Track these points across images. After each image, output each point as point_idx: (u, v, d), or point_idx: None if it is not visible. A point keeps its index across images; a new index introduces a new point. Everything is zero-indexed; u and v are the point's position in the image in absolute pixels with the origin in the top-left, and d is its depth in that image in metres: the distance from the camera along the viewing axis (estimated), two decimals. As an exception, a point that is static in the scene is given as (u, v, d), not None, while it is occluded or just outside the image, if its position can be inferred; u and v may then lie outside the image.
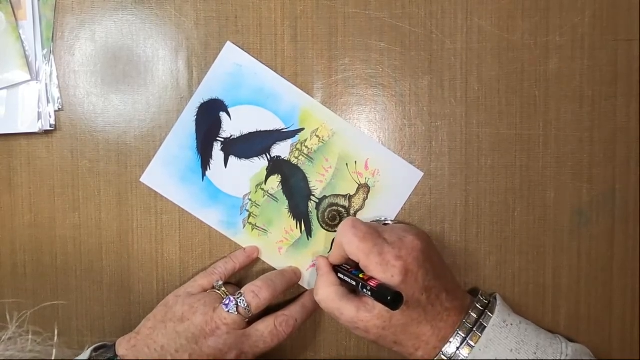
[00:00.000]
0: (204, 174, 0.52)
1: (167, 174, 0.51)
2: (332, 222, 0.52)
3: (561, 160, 0.51)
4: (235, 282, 0.52)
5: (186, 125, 0.51)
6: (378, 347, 0.53)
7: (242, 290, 0.47)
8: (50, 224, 0.52)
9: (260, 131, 0.51)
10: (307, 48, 0.51)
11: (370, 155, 0.52)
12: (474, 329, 0.45)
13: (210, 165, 0.51)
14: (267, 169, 0.52)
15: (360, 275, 0.44)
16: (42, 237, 0.52)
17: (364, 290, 0.43)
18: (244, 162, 0.52)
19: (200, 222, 0.52)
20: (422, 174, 0.52)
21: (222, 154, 0.51)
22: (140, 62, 0.51)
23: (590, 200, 0.52)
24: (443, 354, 0.44)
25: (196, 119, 0.51)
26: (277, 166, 0.52)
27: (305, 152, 0.52)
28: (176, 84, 0.51)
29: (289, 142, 0.52)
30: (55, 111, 0.51)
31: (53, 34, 0.51)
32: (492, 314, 0.45)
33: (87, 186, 0.52)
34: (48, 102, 0.51)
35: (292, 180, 0.52)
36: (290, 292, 0.52)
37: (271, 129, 0.51)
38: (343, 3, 0.51)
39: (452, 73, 0.51)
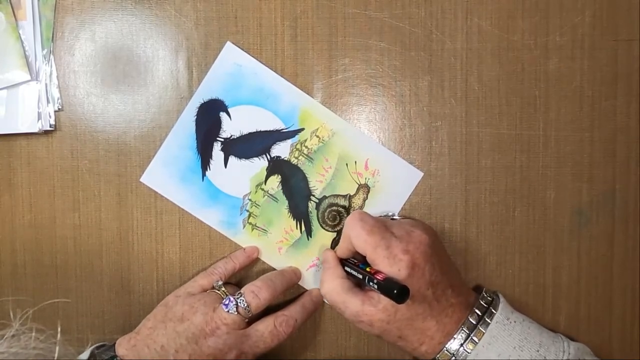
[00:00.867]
0: (204, 174, 0.52)
1: (167, 174, 0.51)
2: (332, 222, 0.52)
3: (561, 160, 0.51)
4: (235, 282, 0.52)
5: (186, 125, 0.51)
6: (378, 347, 0.53)
7: (242, 290, 0.47)
8: (50, 224, 0.52)
9: (260, 131, 0.51)
10: (307, 48, 0.51)
11: (370, 155, 0.52)
12: (478, 326, 0.45)
13: (210, 165, 0.51)
14: (267, 169, 0.52)
15: (367, 269, 0.44)
16: (42, 237, 0.52)
17: (370, 283, 0.43)
18: (244, 162, 0.52)
19: (200, 222, 0.52)
20: (422, 174, 0.52)
21: (222, 154, 0.51)
22: (140, 62, 0.51)
23: (590, 200, 0.52)
24: (447, 350, 0.44)
25: (196, 119, 0.51)
26: (277, 166, 0.52)
27: (305, 152, 0.52)
28: (176, 84, 0.51)
29: (289, 142, 0.52)
30: (55, 111, 0.51)
31: (53, 34, 0.51)
32: (496, 310, 0.45)
33: (87, 186, 0.52)
34: (48, 102, 0.51)
35: (292, 181, 0.52)
36: (290, 292, 0.52)
37: (271, 129, 0.51)
38: (343, 3, 0.51)
39: (452, 73, 0.51)
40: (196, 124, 0.51)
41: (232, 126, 0.51)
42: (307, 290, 0.52)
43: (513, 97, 0.51)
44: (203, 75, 0.51)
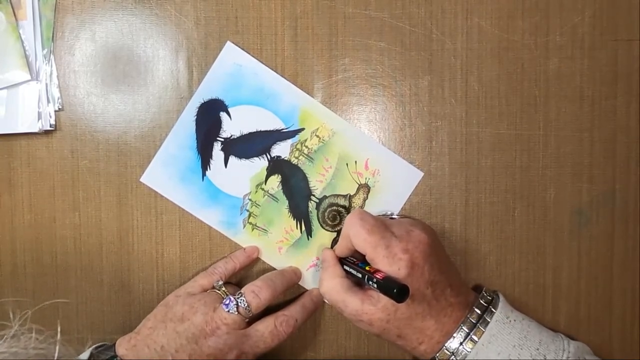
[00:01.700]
0: (204, 174, 0.52)
1: (167, 174, 0.51)
2: (332, 222, 0.52)
3: (561, 160, 0.51)
4: (236, 282, 0.52)
5: (186, 125, 0.51)
6: (378, 347, 0.53)
7: (242, 290, 0.47)
8: (50, 224, 0.52)
9: (260, 131, 0.51)
10: (307, 48, 0.51)
11: (370, 155, 0.52)
12: (478, 324, 0.45)
13: (211, 165, 0.51)
14: (267, 169, 0.52)
15: (367, 268, 0.44)
16: (42, 237, 0.52)
17: (370, 282, 0.43)
18: (244, 162, 0.52)
19: (200, 222, 0.52)
20: (422, 174, 0.52)
21: (222, 154, 0.51)
22: (140, 62, 0.51)
23: (590, 200, 0.52)
24: (446, 349, 0.44)
25: (196, 118, 0.51)
26: (277, 166, 0.52)
27: (305, 152, 0.52)
28: (176, 84, 0.51)
29: (289, 142, 0.52)
30: (55, 111, 0.51)
31: (53, 34, 0.51)
32: (495, 309, 0.45)
33: (87, 186, 0.52)
34: (48, 102, 0.51)
35: (292, 180, 0.52)
36: (290, 292, 0.52)
37: (271, 129, 0.51)
38: (343, 3, 0.51)
39: (452, 73, 0.51)
40: (196, 124, 0.51)
41: (232, 126, 0.51)
42: (307, 290, 0.52)
43: (513, 97, 0.51)
44: (203, 75, 0.51)
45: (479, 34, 0.51)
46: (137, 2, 0.51)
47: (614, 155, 0.51)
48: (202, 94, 0.51)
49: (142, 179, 0.52)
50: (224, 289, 0.48)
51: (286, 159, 0.52)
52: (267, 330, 0.47)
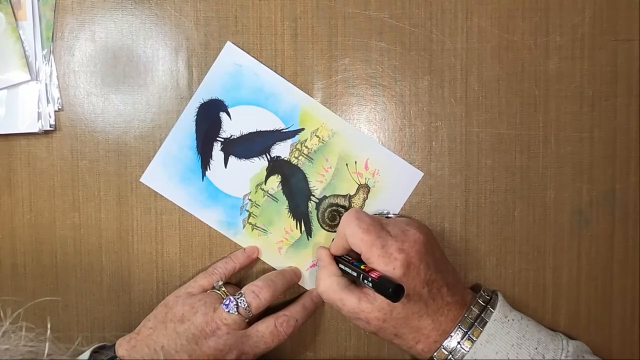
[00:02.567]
0: (203, 174, 0.52)
1: (167, 174, 0.51)
2: (332, 222, 0.52)
3: (561, 160, 0.51)
4: (236, 282, 0.52)
5: (186, 125, 0.51)
6: (378, 347, 0.53)
7: (242, 291, 0.47)
8: (50, 224, 0.52)
9: (260, 131, 0.51)
10: (307, 48, 0.51)
11: (370, 155, 0.52)
12: (476, 324, 0.45)
13: (210, 165, 0.51)
14: (267, 169, 0.52)
15: (362, 267, 0.44)
16: (42, 237, 0.52)
17: (365, 281, 0.43)
18: (244, 162, 0.52)
19: (200, 222, 0.52)
20: (422, 174, 0.52)
21: (222, 154, 0.51)
22: (140, 62, 0.51)
23: (590, 200, 0.52)
24: (444, 348, 0.44)
25: (196, 119, 0.51)
26: (277, 166, 0.52)
27: (305, 152, 0.52)
28: (176, 84, 0.51)
29: (289, 142, 0.52)
30: (55, 111, 0.51)
31: (53, 34, 0.51)
32: (494, 309, 0.45)
33: (87, 186, 0.52)
34: (48, 102, 0.51)
35: (292, 180, 0.52)
36: (290, 292, 0.52)
37: (271, 129, 0.51)
38: (343, 3, 0.51)
39: (452, 73, 0.51)
40: (196, 124, 0.51)
41: (232, 126, 0.51)
42: (307, 290, 0.52)
43: (513, 97, 0.51)
44: (203, 75, 0.51)
45: (479, 34, 0.51)
46: (137, 2, 0.51)
47: (614, 155, 0.51)
48: (202, 94, 0.51)
49: (142, 179, 0.52)
50: (224, 289, 0.48)
51: (286, 159, 0.52)
52: (267, 331, 0.47)
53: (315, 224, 0.52)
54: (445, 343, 0.44)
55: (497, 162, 0.52)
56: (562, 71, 0.51)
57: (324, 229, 0.52)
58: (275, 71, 0.51)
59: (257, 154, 0.52)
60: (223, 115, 0.51)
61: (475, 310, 0.45)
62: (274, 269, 0.52)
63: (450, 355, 0.44)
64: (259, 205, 0.52)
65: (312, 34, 0.51)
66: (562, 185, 0.52)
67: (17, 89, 0.50)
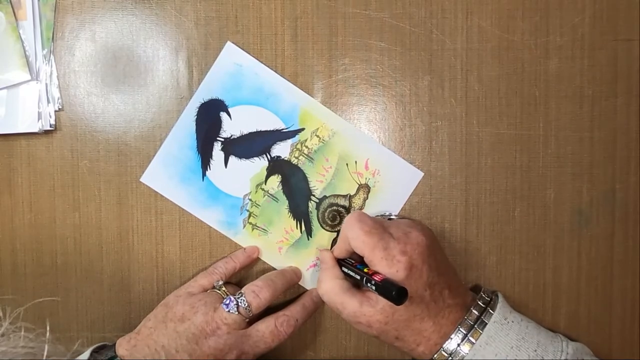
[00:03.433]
0: (204, 174, 0.52)
1: (167, 174, 0.51)
2: (332, 222, 0.52)
3: (561, 160, 0.51)
4: (236, 282, 0.52)
5: (186, 125, 0.51)
6: (378, 347, 0.53)
7: (242, 290, 0.47)
8: (50, 224, 0.52)
9: (260, 131, 0.51)
10: (307, 48, 0.51)
11: (370, 155, 0.52)
12: (475, 326, 0.45)
13: (211, 165, 0.51)
14: (267, 169, 0.52)
15: (365, 270, 0.44)
16: (42, 237, 0.52)
17: (368, 284, 0.43)
18: (244, 162, 0.52)
19: (200, 222, 0.52)
20: (422, 174, 0.52)
21: (222, 154, 0.51)
22: (140, 62, 0.51)
23: (590, 200, 0.52)
24: (444, 350, 0.44)
25: (196, 118, 0.51)
26: (277, 166, 0.52)
27: (306, 152, 0.52)
28: (176, 84, 0.51)
29: (289, 142, 0.52)
30: (55, 111, 0.51)
31: (53, 34, 0.51)
32: (494, 311, 0.45)
33: (87, 186, 0.52)
34: (48, 102, 0.51)
35: (292, 180, 0.52)
36: (291, 292, 0.52)
37: (271, 129, 0.51)
38: (343, 3, 0.51)
39: (452, 73, 0.51)
40: (196, 124, 0.51)
41: (233, 126, 0.51)
42: (307, 290, 0.52)
43: (513, 97, 0.51)
44: (203, 75, 0.51)
45: (479, 34, 0.51)
46: (137, 2, 0.51)
47: (614, 155, 0.51)
48: (202, 94, 0.51)
49: (142, 179, 0.52)
50: (224, 288, 0.48)
51: (286, 159, 0.52)
52: (267, 330, 0.47)
53: (315, 224, 0.52)
54: (445, 345, 0.44)
55: (497, 162, 0.52)
56: (562, 71, 0.51)
57: (324, 229, 0.52)
58: (275, 71, 0.51)
59: (258, 153, 0.52)
60: (223, 115, 0.51)
61: (475, 313, 0.45)
62: (274, 269, 0.52)
63: (450, 357, 0.44)
64: (259, 205, 0.52)
65: (312, 34, 0.51)
66: (562, 185, 0.52)
67: (18, 88, 0.50)
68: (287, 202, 0.52)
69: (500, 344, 0.44)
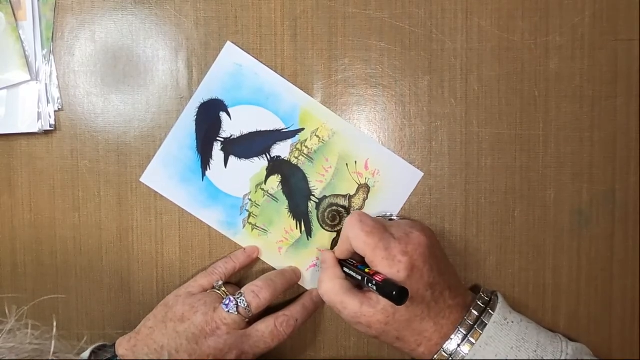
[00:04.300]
0: (204, 174, 0.52)
1: (167, 174, 0.51)
2: (332, 222, 0.52)
3: (561, 160, 0.51)
4: (236, 282, 0.52)
5: (186, 125, 0.51)
6: (378, 347, 0.53)
7: (242, 290, 0.47)
8: (50, 224, 0.52)
9: (260, 131, 0.51)
10: (307, 48, 0.51)
11: (370, 155, 0.52)
12: (475, 326, 0.45)
13: (210, 165, 0.51)
14: (267, 169, 0.52)
15: (366, 270, 0.44)
16: (42, 237, 0.52)
17: (369, 284, 0.43)
18: (244, 162, 0.52)
19: (200, 222, 0.52)
20: (422, 174, 0.52)
21: (222, 154, 0.51)
22: (140, 62, 0.51)
23: (590, 200, 0.52)
24: (444, 351, 0.44)
25: (196, 118, 0.51)
26: (277, 166, 0.52)
27: (305, 152, 0.52)
28: (176, 84, 0.51)
29: (289, 142, 0.52)
30: (55, 111, 0.51)
31: (53, 34, 0.51)
32: (494, 311, 0.45)
33: (87, 186, 0.52)
34: (48, 102, 0.51)
35: (292, 180, 0.52)
36: (290, 292, 0.52)
37: (271, 129, 0.51)
38: (343, 3, 0.51)
39: (452, 73, 0.51)
40: (196, 124, 0.51)
41: (232, 126, 0.51)
42: (307, 290, 0.52)
43: (513, 97, 0.51)
44: (203, 75, 0.51)
45: (479, 34, 0.51)
46: (137, 2, 0.51)
47: (614, 155, 0.51)
48: (202, 93, 0.51)
49: (142, 179, 0.52)
50: (223, 289, 0.48)
51: (286, 159, 0.52)
52: (267, 331, 0.47)
53: (315, 224, 0.52)
54: (445, 346, 0.44)
55: (497, 162, 0.52)
56: (562, 71, 0.51)
57: (324, 229, 0.52)
58: (275, 71, 0.51)
59: (257, 153, 0.52)
60: (223, 115, 0.51)
61: (475, 313, 0.45)
62: (274, 269, 0.52)
63: (451, 358, 0.44)
64: (259, 205, 0.52)
65: (312, 34, 0.51)
66: (562, 185, 0.52)
67: (17, 89, 0.50)
68: (287, 202, 0.52)
69: (500, 345, 0.44)
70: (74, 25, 0.51)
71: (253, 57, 0.51)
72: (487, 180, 0.52)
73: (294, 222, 0.52)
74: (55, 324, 0.36)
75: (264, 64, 0.51)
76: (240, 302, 0.46)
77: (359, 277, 0.45)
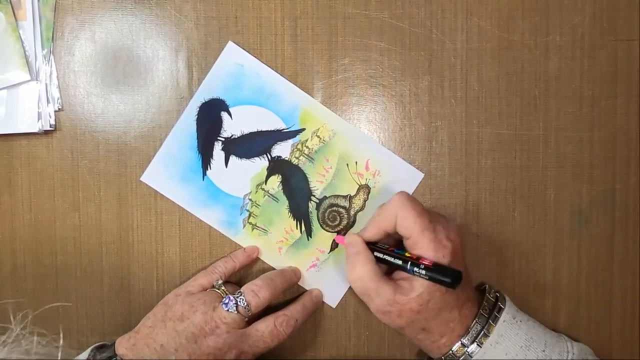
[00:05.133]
0: (204, 174, 0.52)
1: (168, 174, 0.51)
2: (332, 222, 0.52)
3: (561, 160, 0.51)
4: (235, 281, 0.52)
5: (187, 124, 0.51)
6: (378, 347, 0.53)
7: (241, 290, 0.47)
8: (50, 224, 0.52)
9: (261, 131, 0.51)
10: (307, 48, 0.51)
11: (370, 155, 0.52)
12: (489, 321, 0.44)
13: (211, 164, 0.51)
14: (267, 169, 0.52)
15: (406, 254, 0.43)
16: (42, 237, 0.52)
17: (416, 269, 0.41)
18: (245, 162, 0.52)
19: (200, 222, 0.52)
20: (422, 175, 0.52)
21: (222, 154, 0.51)
22: (140, 62, 0.51)
23: (590, 200, 0.52)
24: (462, 343, 0.44)
25: (197, 118, 0.51)
26: (277, 166, 0.52)
27: (306, 152, 0.52)
28: (176, 84, 0.51)
29: (290, 142, 0.52)
30: (55, 111, 0.51)
31: (53, 34, 0.51)
32: (504, 307, 0.45)
33: (87, 186, 0.52)
34: (48, 102, 0.51)
35: (293, 181, 0.52)
36: (290, 292, 0.52)
37: (272, 129, 0.51)
38: (343, 3, 0.51)
39: (452, 73, 0.51)
40: (197, 124, 0.51)
41: (233, 126, 0.51)
42: (307, 290, 0.52)
43: (513, 97, 0.51)
44: (203, 75, 0.51)
45: (479, 34, 0.51)
46: (137, 2, 0.51)
47: (614, 155, 0.51)
48: (203, 93, 0.51)
49: (142, 178, 0.52)
50: (223, 288, 0.48)
51: (287, 159, 0.52)
52: (267, 330, 0.46)
53: (315, 224, 0.52)
54: (463, 339, 0.44)
55: (497, 162, 0.52)
56: (562, 71, 0.51)
57: (324, 229, 0.52)
58: (275, 71, 0.51)
59: (258, 153, 0.52)
60: (224, 114, 0.51)
61: (488, 308, 0.45)
62: (274, 269, 0.52)
63: (466, 349, 0.44)
64: (259, 205, 0.52)
65: (312, 34, 0.51)
66: (562, 185, 0.52)
67: (17, 89, 0.50)
68: (287, 202, 0.52)
69: (510, 343, 0.44)
70: (74, 25, 0.51)
71: (254, 57, 0.51)
72: (487, 180, 0.52)
73: (294, 222, 0.52)
74: (62, 333, 0.36)
75: (265, 64, 0.51)
76: (239, 302, 0.46)
77: (398, 262, 0.43)
